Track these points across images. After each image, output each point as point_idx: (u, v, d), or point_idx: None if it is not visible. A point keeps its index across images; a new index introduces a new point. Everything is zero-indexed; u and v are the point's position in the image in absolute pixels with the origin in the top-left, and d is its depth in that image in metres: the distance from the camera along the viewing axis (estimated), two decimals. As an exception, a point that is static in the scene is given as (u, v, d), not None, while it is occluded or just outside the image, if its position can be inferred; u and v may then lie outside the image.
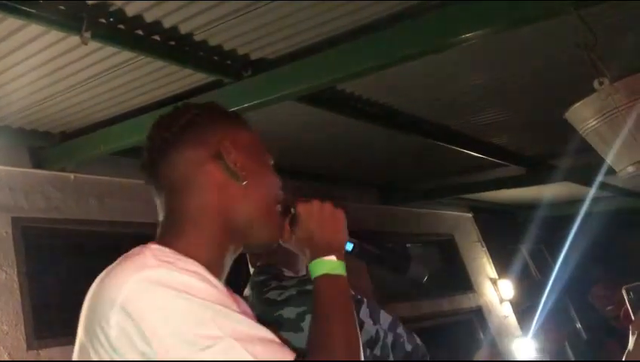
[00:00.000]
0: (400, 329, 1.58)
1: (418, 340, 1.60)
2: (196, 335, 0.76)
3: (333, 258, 0.98)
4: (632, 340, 1.59)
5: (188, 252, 0.88)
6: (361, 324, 1.51)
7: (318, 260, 0.99)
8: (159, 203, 1.00)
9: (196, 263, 0.85)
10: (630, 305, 1.65)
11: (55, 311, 2.73)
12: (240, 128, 1.03)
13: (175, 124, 0.99)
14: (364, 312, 1.54)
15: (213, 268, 0.88)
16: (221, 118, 1.03)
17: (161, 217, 0.99)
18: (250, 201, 0.97)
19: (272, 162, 1.05)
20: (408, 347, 1.56)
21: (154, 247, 0.89)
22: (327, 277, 0.97)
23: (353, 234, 1.07)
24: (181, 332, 0.76)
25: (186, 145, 0.97)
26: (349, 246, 1.07)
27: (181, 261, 0.84)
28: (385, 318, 1.57)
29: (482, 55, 2.54)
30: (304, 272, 1.68)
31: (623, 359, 1.62)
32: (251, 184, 0.97)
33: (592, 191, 4.59)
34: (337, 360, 0.87)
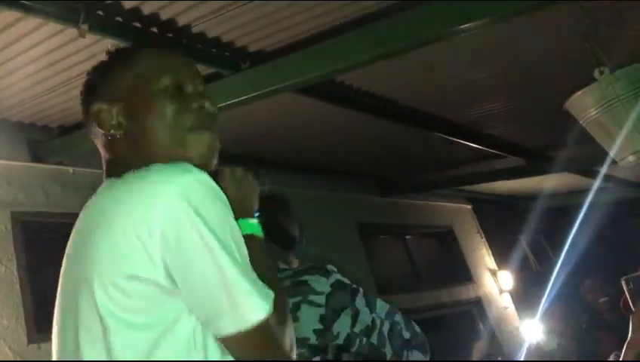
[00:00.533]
0: (397, 317, 1.58)
1: (417, 328, 1.60)
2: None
3: (253, 220, 1.00)
4: (631, 331, 1.60)
5: None
6: (357, 312, 1.52)
7: (242, 221, 0.97)
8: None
9: None
10: (630, 295, 1.65)
11: (54, 305, 2.73)
12: (119, 74, 1.01)
13: (92, 71, 1.06)
14: (360, 301, 1.54)
15: None
16: (98, 74, 1.04)
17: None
18: (141, 145, 0.97)
19: (170, 83, 0.99)
20: (406, 334, 1.56)
21: None
22: (251, 238, 0.97)
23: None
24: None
25: (84, 115, 1.05)
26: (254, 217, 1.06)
27: None
28: (381, 306, 1.57)
29: (482, 46, 2.53)
30: (295, 265, 1.69)
31: (623, 349, 1.63)
32: (136, 129, 0.98)
33: (596, 182, 4.59)
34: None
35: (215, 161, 1.01)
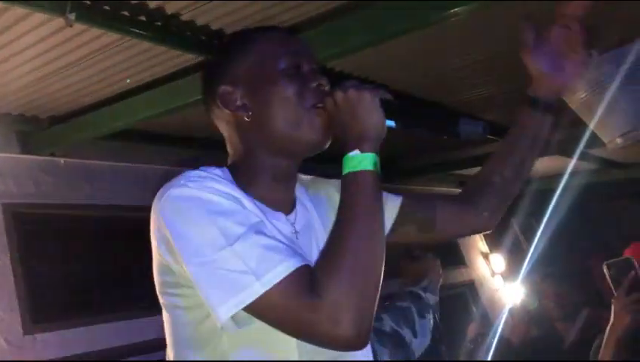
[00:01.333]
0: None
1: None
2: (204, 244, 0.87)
3: (357, 151, 0.96)
4: (613, 316, 1.62)
5: (240, 178, 1.01)
6: None
7: (345, 157, 0.97)
8: None
9: (225, 182, 0.95)
10: (611, 280, 1.65)
11: (50, 296, 2.74)
12: (240, 56, 1.04)
13: (201, 82, 1.11)
14: None
15: (276, 183, 1.01)
16: (220, 57, 1.07)
17: None
18: (266, 126, 1.01)
19: (289, 64, 1.03)
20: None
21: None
22: (349, 175, 0.96)
23: (394, 106, 1.01)
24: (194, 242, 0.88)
25: (206, 95, 1.08)
26: (391, 124, 1.03)
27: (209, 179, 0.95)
28: None
29: (471, 30, 2.53)
30: None
31: (605, 335, 1.64)
32: (261, 111, 1.01)
33: (570, 163, 4.61)
34: (340, 276, 0.85)
35: (328, 141, 1.05)
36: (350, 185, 0.95)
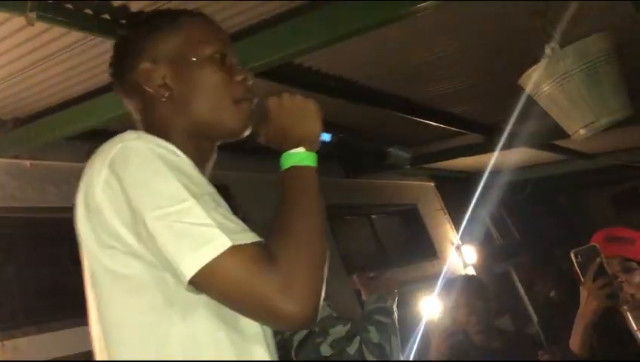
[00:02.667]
0: (334, 330, 1.53)
1: (352, 347, 1.52)
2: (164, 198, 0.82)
3: (301, 149, 0.97)
4: (582, 301, 1.66)
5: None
6: None
7: (285, 154, 0.97)
8: None
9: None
10: (579, 268, 1.68)
11: (18, 301, 2.69)
12: (166, 35, 1.01)
13: (115, 53, 1.04)
14: None
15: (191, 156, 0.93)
16: (144, 33, 1.02)
17: None
18: (188, 109, 0.98)
19: (217, 52, 1.00)
20: (326, 351, 1.49)
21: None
22: (292, 168, 0.95)
23: (329, 128, 1.04)
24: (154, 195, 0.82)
25: (120, 70, 1.03)
26: (327, 137, 1.04)
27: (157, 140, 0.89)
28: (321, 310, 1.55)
29: (436, 26, 2.56)
30: None
31: (575, 321, 1.68)
32: (184, 93, 0.98)
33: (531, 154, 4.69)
34: (298, 245, 0.84)
35: (249, 128, 1.03)
36: (294, 178, 0.94)
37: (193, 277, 0.79)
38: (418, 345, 2.94)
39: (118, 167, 0.85)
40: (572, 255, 1.70)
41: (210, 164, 1.03)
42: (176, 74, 0.99)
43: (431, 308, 2.77)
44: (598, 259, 1.66)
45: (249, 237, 0.82)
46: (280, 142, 0.99)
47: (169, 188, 0.82)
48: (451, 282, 2.79)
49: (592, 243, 1.71)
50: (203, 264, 0.78)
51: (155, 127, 0.98)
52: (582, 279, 1.68)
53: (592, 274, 1.65)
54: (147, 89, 0.99)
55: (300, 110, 1.01)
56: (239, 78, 1.01)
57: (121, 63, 1.03)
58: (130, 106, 1.04)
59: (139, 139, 0.88)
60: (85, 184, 0.89)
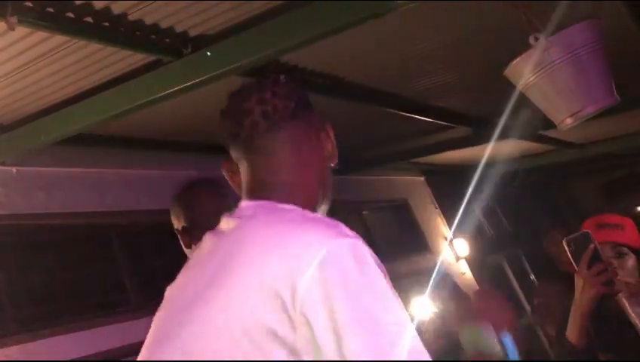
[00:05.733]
0: None
1: None
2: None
3: None
4: (577, 289, 1.65)
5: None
6: None
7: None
8: (248, 163, 1.06)
9: None
10: (572, 256, 1.66)
11: (10, 309, 2.66)
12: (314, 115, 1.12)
13: (294, 97, 1.08)
14: None
15: None
16: (307, 105, 1.13)
17: (249, 178, 1.06)
18: (329, 178, 1.10)
19: None
20: None
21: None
22: None
23: None
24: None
25: (301, 120, 1.08)
26: None
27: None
28: None
29: (421, 20, 2.56)
30: None
31: (571, 311, 1.67)
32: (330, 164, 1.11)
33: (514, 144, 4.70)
34: None
35: None
36: None
37: None
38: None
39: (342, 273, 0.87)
40: (564, 243, 1.69)
41: None
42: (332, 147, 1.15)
43: (423, 307, 2.77)
44: (592, 246, 1.63)
45: None
46: None
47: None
48: (442, 285, 2.78)
49: (585, 231, 1.69)
50: None
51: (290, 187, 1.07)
52: (576, 267, 1.66)
53: (587, 261, 1.62)
54: (320, 147, 1.13)
55: None
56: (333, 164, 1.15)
57: (299, 115, 1.11)
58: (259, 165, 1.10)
59: (359, 239, 0.94)
60: None
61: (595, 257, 1.63)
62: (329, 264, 0.81)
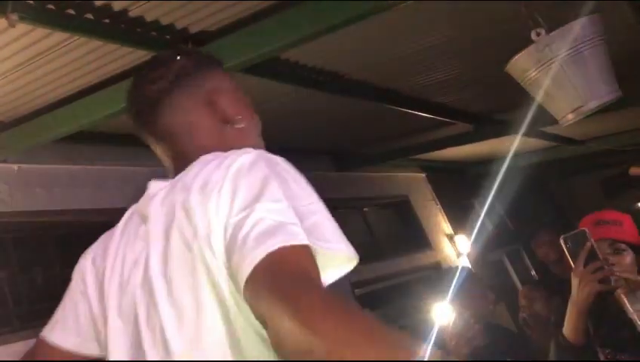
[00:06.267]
0: None
1: None
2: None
3: None
4: (574, 287, 1.65)
5: None
6: None
7: None
8: (160, 149, 1.09)
9: None
10: (569, 253, 1.66)
11: (13, 306, 2.67)
12: (223, 74, 1.10)
13: (168, 73, 1.05)
14: None
15: None
16: (206, 64, 1.10)
17: (167, 162, 1.09)
18: (247, 141, 1.06)
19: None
20: None
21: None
22: None
23: None
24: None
25: (182, 93, 1.05)
26: None
27: None
28: None
29: (422, 16, 2.55)
30: None
31: (568, 309, 1.67)
32: (245, 126, 1.08)
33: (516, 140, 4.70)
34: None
35: None
36: None
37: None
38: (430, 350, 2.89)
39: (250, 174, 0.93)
40: (561, 241, 1.69)
41: None
42: (239, 108, 1.14)
43: (443, 311, 2.73)
44: (589, 244, 1.63)
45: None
46: None
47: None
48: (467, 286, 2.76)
49: (582, 228, 1.69)
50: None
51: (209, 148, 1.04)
52: (572, 265, 1.66)
53: (584, 259, 1.63)
54: (214, 113, 1.09)
55: None
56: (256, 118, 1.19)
57: (191, 81, 1.10)
58: (195, 124, 1.10)
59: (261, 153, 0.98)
60: None
61: (592, 255, 1.63)
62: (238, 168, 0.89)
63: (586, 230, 1.66)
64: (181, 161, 1.02)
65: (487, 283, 3.33)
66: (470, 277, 2.79)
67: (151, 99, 1.05)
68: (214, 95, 1.07)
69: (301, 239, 0.78)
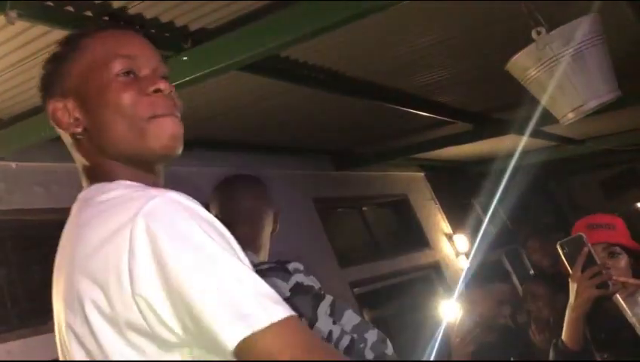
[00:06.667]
0: (368, 334, 1.42)
1: (389, 349, 1.44)
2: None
3: None
4: (572, 292, 1.63)
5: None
6: (313, 321, 1.39)
7: None
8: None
9: None
10: (566, 259, 1.64)
11: (10, 304, 2.66)
12: (69, 64, 0.93)
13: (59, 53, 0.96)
14: (323, 308, 1.42)
15: None
16: (52, 67, 0.95)
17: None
18: (107, 138, 0.90)
19: (122, 68, 0.91)
20: (369, 354, 1.40)
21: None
22: None
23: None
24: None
25: (43, 107, 0.97)
26: None
27: None
28: (350, 318, 1.43)
29: (422, 14, 2.55)
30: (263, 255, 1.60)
31: (566, 314, 1.66)
32: (94, 124, 0.91)
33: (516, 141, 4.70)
34: None
35: (180, 148, 0.92)
36: None
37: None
38: (438, 346, 2.89)
39: (157, 232, 0.80)
40: (558, 246, 1.67)
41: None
42: (84, 105, 0.91)
43: (449, 310, 2.73)
44: (586, 249, 1.61)
45: (288, 310, 0.75)
46: None
47: (210, 254, 0.78)
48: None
49: (578, 233, 1.67)
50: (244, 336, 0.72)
51: (85, 169, 0.94)
52: (570, 270, 1.65)
53: (581, 264, 1.62)
54: (60, 130, 0.93)
55: None
56: (151, 89, 0.90)
57: (42, 102, 0.97)
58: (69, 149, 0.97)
59: (174, 196, 0.82)
60: None
61: (589, 260, 1.62)
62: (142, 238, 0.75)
63: (583, 235, 1.65)
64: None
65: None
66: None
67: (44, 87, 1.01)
68: (51, 114, 0.98)
69: None
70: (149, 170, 0.93)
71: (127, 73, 0.91)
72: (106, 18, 2.02)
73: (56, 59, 0.95)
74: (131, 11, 2.03)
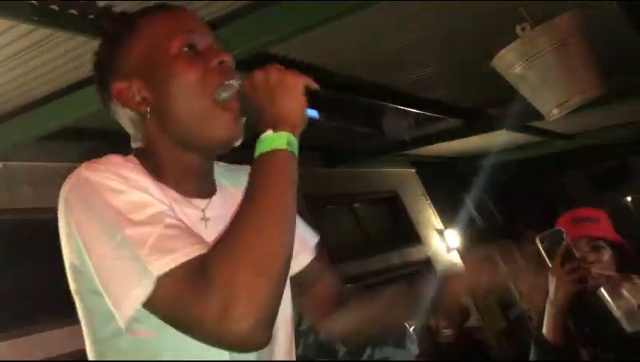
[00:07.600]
0: None
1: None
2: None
3: (269, 132, 0.86)
4: (551, 287, 1.63)
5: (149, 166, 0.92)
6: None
7: (257, 140, 0.86)
8: None
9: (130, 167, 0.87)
10: (545, 253, 1.64)
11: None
12: (128, 45, 0.93)
13: (93, 72, 0.99)
14: None
15: (187, 176, 0.94)
16: (108, 49, 0.96)
17: None
18: (170, 119, 0.91)
19: (183, 44, 0.92)
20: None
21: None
22: (260, 156, 0.84)
23: (317, 98, 0.94)
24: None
25: (101, 92, 0.97)
26: (314, 114, 0.94)
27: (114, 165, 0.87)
28: None
29: (410, 12, 2.55)
30: None
31: (546, 308, 1.66)
32: (162, 102, 0.91)
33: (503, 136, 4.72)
34: (237, 252, 0.74)
35: (240, 138, 0.94)
36: (260, 166, 0.84)
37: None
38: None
39: (70, 207, 0.87)
40: (538, 240, 1.67)
41: (207, 176, 0.98)
42: (150, 84, 0.91)
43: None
44: (565, 243, 1.62)
45: (181, 255, 0.75)
46: (258, 128, 0.89)
47: (105, 225, 0.81)
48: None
49: (558, 228, 1.67)
50: (135, 308, 0.76)
51: (147, 144, 0.94)
52: (549, 264, 1.65)
53: (560, 259, 1.62)
54: (127, 110, 0.93)
55: (273, 87, 0.90)
56: (214, 62, 0.91)
57: (100, 85, 0.97)
58: (125, 127, 0.98)
59: (87, 170, 0.86)
60: None
61: (569, 255, 1.62)
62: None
63: (562, 229, 1.65)
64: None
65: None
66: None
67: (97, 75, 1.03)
68: (115, 92, 0.98)
69: None
70: (198, 159, 0.95)
71: (190, 48, 0.92)
72: (91, 17, 2.01)
73: (112, 42, 0.95)
74: (116, 9, 2.01)
